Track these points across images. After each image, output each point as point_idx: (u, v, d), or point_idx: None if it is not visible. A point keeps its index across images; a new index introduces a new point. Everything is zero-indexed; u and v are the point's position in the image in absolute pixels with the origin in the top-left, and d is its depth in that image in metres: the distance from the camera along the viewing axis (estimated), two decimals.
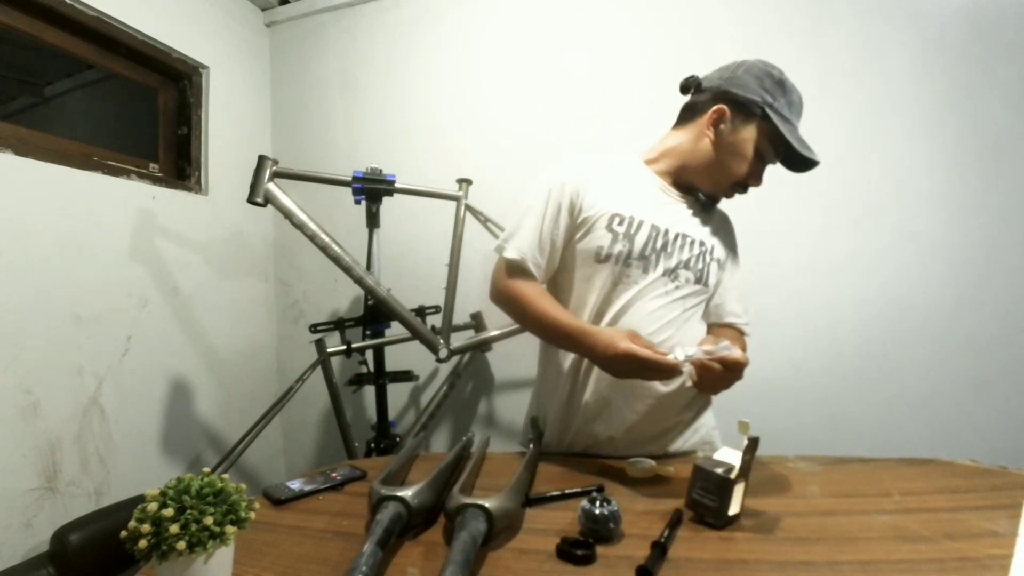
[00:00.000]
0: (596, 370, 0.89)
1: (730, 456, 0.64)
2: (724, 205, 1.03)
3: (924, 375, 1.49)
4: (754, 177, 0.93)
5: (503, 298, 0.94)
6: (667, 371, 0.75)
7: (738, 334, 1.00)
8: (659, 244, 0.90)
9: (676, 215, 0.94)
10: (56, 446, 1.32)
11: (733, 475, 0.60)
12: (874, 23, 1.54)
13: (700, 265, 0.93)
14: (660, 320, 0.89)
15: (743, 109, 0.89)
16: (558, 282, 0.97)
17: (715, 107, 0.90)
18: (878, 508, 0.64)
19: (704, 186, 0.97)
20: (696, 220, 0.96)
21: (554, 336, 0.90)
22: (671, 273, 0.91)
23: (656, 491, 0.73)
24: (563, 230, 0.92)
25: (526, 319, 0.92)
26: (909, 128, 1.51)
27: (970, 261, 1.47)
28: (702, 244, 0.94)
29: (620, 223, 0.89)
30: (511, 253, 0.91)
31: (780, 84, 0.88)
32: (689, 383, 0.83)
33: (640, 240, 0.89)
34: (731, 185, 0.94)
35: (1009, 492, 0.66)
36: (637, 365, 0.75)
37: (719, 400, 0.94)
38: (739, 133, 0.89)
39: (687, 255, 0.92)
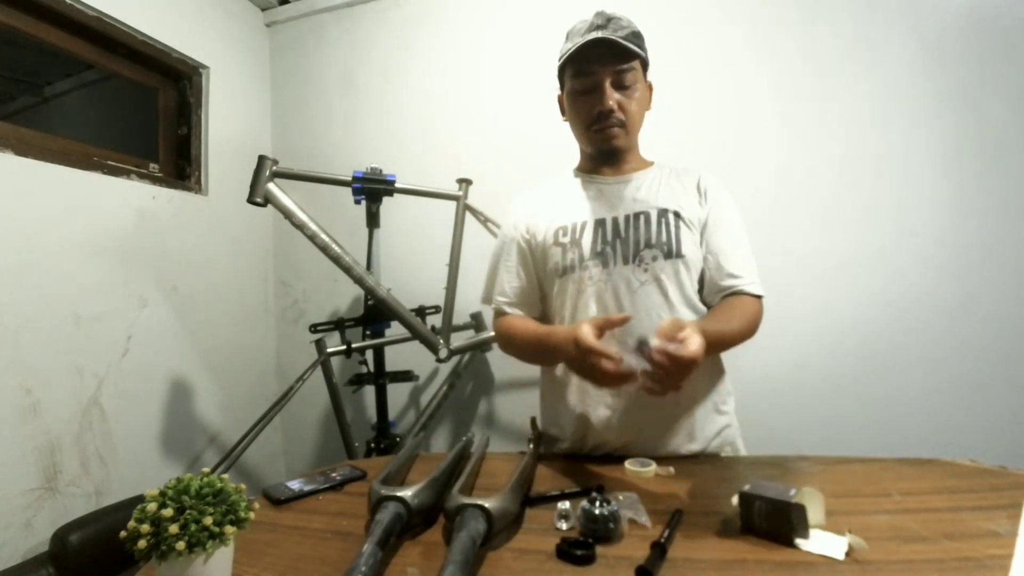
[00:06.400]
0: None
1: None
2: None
3: (924, 375, 1.49)
4: (594, 116, 0.91)
5: (500, 343, 1.01)
6: (614, 377, 0.68)
7: (744, 300, 0.87)
8: (609, 236, 0.90)
9: (622, 200, 0.93)
10: (56, 446, 1.32)
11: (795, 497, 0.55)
12: (873, 23, 1.54)
13: (664, 236, 0.88)
14: (637, 310, 0.85)
15: (560, 79, 0.97)
16: (546, 310, 0.99)
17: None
18: (878, 508, 0.64)
19: (590, 150, 0.98)
20: (648, 193, 0.93)
21: (537, 352, 0.94)
22: (634, 258, 0.88)
23: (656, 491, 0.73)
24: (531, 264, 0.97)
25: (518, 350, 0.97)
26: (909, 128, 1.51)
27: (969, 261, 1.46)
28: (661, 213, 0.90)
29: (564, 234, 0.92)
30: (485, 303, 1.03)
31: (567, 35, 0.93)
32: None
33: (587, 241, 0.90)
34: (593, 132, 0.93)
35: (1009, 492, 0.65)
36: (587, 365, 0.70)
37: None
38: (566, 97, 0.97)
39: (645, 233, 0.88)
